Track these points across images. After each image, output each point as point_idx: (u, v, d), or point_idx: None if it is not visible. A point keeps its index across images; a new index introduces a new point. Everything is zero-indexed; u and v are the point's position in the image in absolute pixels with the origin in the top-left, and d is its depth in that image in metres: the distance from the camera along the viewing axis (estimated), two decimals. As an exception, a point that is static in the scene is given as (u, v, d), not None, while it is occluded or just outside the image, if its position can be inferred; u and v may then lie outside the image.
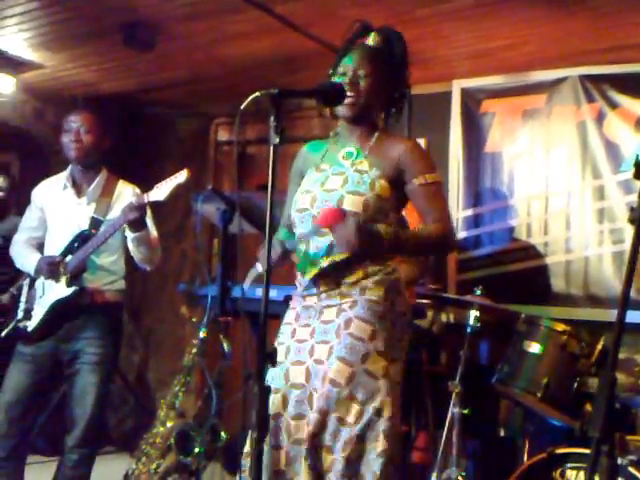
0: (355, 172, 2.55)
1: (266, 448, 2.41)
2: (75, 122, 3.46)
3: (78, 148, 3.45)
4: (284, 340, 2.58)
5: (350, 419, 2.39)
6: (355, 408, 2.40)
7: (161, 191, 3.14)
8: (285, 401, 2.48)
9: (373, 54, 2.63)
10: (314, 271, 2.53)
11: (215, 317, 3.66)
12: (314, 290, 2.55)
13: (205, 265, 5.18)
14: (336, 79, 2.59)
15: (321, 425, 2.39)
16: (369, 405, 2.40)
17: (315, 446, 2.39)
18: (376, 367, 2.43)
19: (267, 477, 2.43)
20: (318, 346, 2.48)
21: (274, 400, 2.44)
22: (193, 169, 3.10)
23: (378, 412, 2.41)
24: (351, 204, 2.49)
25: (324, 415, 2.38)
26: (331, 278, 2.51)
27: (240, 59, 4.58)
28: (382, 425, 2.40)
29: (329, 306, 2.51)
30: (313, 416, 2.39)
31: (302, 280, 2.59)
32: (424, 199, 2.55)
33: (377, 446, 2.39)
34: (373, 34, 2.69)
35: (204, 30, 4.15)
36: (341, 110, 2.59)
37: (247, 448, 2.51)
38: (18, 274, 3.89)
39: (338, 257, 2.50)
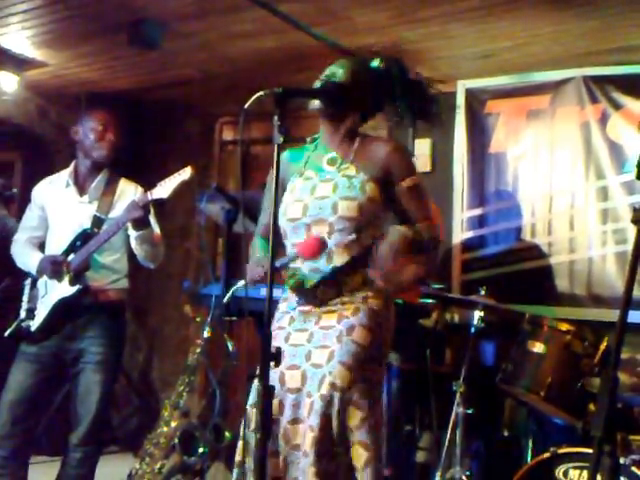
0: (343, 177, 2.56)
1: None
2: (98, 121, 3.46)
3: (107, 147, 3.45)
4: (278, 344, 2.54)
5: (353, 423, 2.41)
6: (357, 413, 2.41)
7: (165, 189, 3.13)
8: (281, 406, 2.48)
9: (356, 63, 2.73)
10: (314, 280, 2.52)
11: (219, 317, 3.66)
12: (314, 300, 2.55)
13: (209, 265, 5.18)
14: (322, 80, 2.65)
15: (325, 430, 2.38)
16: (368, 410, 2.44)
17: (321, 452, 2.38)
18: (371, 373, 2.50)
19: None
20: (316, 350, 2.49)
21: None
22: (197, 168, 3.10)
23: (373, 420, 2.46)
24: (346, 209, 2.50)
25: (328, 419, 2.38)
26: (331, 284, 2.52)
27: (245, 58, 4.58)
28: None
29: (330, 311, 2.53)
30: (316, 421, 2.38)
31: (293, 295, 2.60)
32: (412, 200, 2.61)
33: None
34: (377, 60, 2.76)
35: (209, 29, 4.15)
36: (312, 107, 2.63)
37: (238, 457, 2.51)
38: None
39: (339, 262, 2.50)
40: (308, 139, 2.76)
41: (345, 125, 2.65)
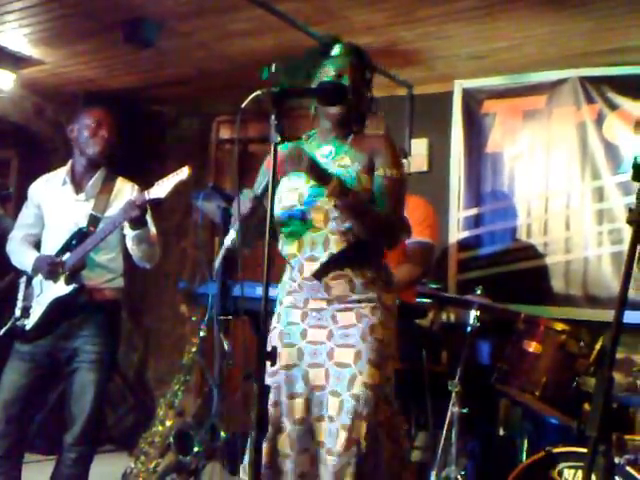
0: (339, 167, 2.57)
1: (291, 452, 2.47)
2: (92, 118, 3.46)
3: (100, 144, 3.45)
4: (294, 341, 2.57)
5: (383, 419, 2.46)
6: (387, 409, 2.48)
7: (162, 188, 3.12)
8: (308, 404, 2.50)
9: (353, 58, 2.69)
10: (313, 267, 2.52)
11: (215, 316, 3.66)
12: (325, 294, 2.54)
13: (205, 264, 5.18)
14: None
15: (358, 429, 2.40)
16: (393, 406, 2.52)
17: (362, 453, 2.40)
18: (391, 370, 2.55)
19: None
20: (340, 350, 2.49)
21: (296, 404, 2.49)
22: (194, 167, 3.09)
23: (394, 414, 2.54)
24: None
25: (362, 420, 2.40)
26: (343, 280, 2.52)
27: (242, 57, 4.58)
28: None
29: (346, 309, 2.52)
30: (349, 421, 2.39)
31: (303, 282, 2.57)
32: (380, 191, 2.56)
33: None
34: (338, 45, 2.73)
35: (206, 28, 4.15)
36: (332, 110, 2.62)
37: (265, 459, 2.46)
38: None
39: (336, 249, 2.51)
40: (304, 136, 2.77)
41: (337, 119, 2.65)
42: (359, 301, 2.52)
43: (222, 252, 2.61)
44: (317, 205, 2.54)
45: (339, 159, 2.60)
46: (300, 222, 2.57)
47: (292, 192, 2.60)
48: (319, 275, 2.52)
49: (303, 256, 2.55)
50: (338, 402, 2.43)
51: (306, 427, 2.49)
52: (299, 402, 2.49)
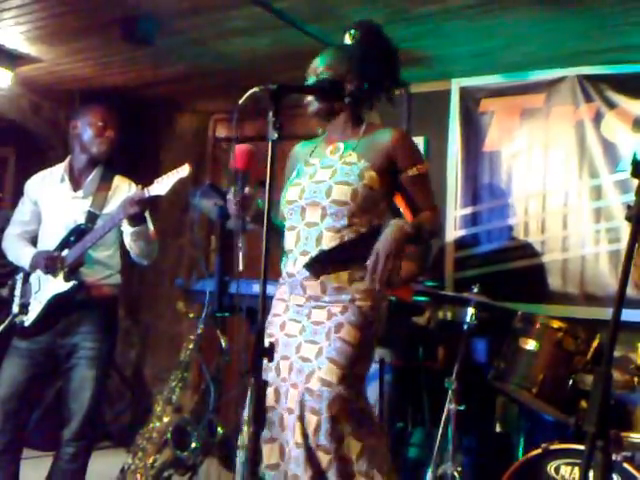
0: (344, 164, 2.58)
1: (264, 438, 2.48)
2: (98, 117, 3.46)
3: (106, 144, 3.45)
4: (274, 332, 2.62)
5: (342, 415, 2.43)
6: (346, 405, 2.44)
7: (162, 185, 3.12)
8: (277, 394, 2.53)
9: (342, 52, 2.69)
10: (303, 261, 2.55)
11: (213, 313, 3.66)
12: (301, 291, 2.56)
13: (202, 261, 5.18)
14: (308, 79, 2.68)
15: (316, 425, 2.41)
16: (357, 404, 2.48)
17: (310, 447, 2.42)
18: (361, 369, 2.55)
19: (264, 468, 2.51)
20: (306, 345, 2.52)
21: (267, 393, 2.48)
22: (191, 165, 3.10)
23: (362, 411, 2.51)
24: (340, 193, 2.53)
25: (318, 415, 2.41)
26: (316, 282, 2.53)
27: (239, 55, 4.58)
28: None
29: (319, 307, 2.55)
30: (299, 413, 2.42)
31: (287, 278, 2.61)
32: (417, 189, 2.63)
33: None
34: (350, 32, 2.72)
35: (203, 26, 4.14)
36: (308, 110, 2.66)
37: (272, 460, 2.54)
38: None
39: (326, 245, 2.52)
40: (320, 130, 2.79)
41: (345, 115, 2.67)
42: (331, 301, 2.53)
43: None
44: (315, 200, 2.55)
45: (346, 155, 2.61)
46: (300, 217, 2.60)
47: (295, 187, 2.64)
48: (308, 269, 2.53)
49: (298, 250, 2.58)
50: (296, 394, 2.46)
51: (276, 417, 2.51)
52: (269, 391, 2.50)
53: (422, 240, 2.68)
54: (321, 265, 2.52)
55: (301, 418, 2.42)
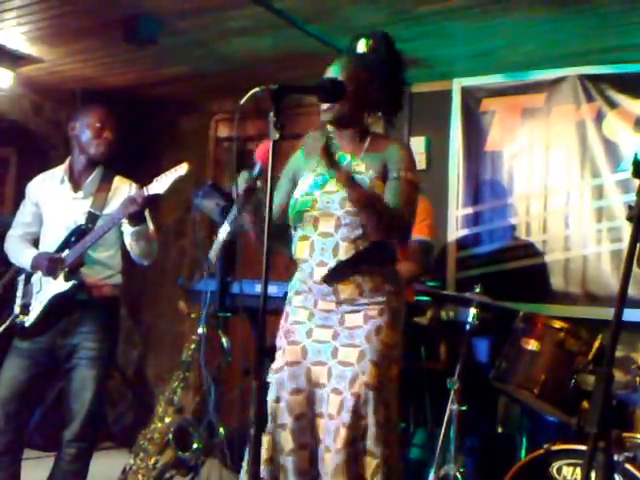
0: (354, 174, 2.57)
1: (291, 447, 2.49)
2: (96, 118, 3.46)
3: (104, 145, 3.45)
4: (299, 339, 2.60)
5: (382, 420, 2.46)
6: (384, 410, 2.48)
7: (161, 184, 3.13)
8: (309, 401, 2.53)
9: (354, 61, 2.69)
10: (320, 272, 2.55)
11: (214, 313, 3.66)
12: (333, 297, 2.56)
13: (204, 261, 5.18)
14: None
15: (363, 430, 2.43)
16: (391, 407, 2.51)
17: (356, 452, 2.43)
18: (394, 373, 2.56)
19: (294, 477, 2.50)
20: (344, 349, 2.52)
21: (297, 400, 2.52)
22: (193, 165, 3.10)
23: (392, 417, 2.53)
24: None
25: (362, 419, 2.44)
26: (352, 285, 2.54)
27: (241, 55, 4.58)
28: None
29: (354, 312, 2.55)
30: (348, 419, 2.42)
31: (314, 285, 2.59)
32: (393, 191, 2.56)
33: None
34: (363, 40, 2.73)
35: (205, 26, 4.14)
36: (323, 116, 2.66)
37: (266, 454, 2.52)
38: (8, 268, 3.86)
39: (344, 256, 2.52)
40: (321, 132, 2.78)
41: (355, 125, 2.68)
42: (367, 304, 2.54)
43: (219, 244, 2.63)
44: (329, 211, 2.55)
45: (355, 165, 2.62)
46: (312, 227, 2.59)
47: (306, 197, 2.63)
48: (328, 280, 2.54)
49: (314, 261, 2.57)
50: (339, 400, 2.45)
51: (306, 423, 2.51)
52: (300, 398, 2.52)
53: (366, 206, 2.50)
54: (340, 275, 2.53)
55: (347, 424, 2.42)
